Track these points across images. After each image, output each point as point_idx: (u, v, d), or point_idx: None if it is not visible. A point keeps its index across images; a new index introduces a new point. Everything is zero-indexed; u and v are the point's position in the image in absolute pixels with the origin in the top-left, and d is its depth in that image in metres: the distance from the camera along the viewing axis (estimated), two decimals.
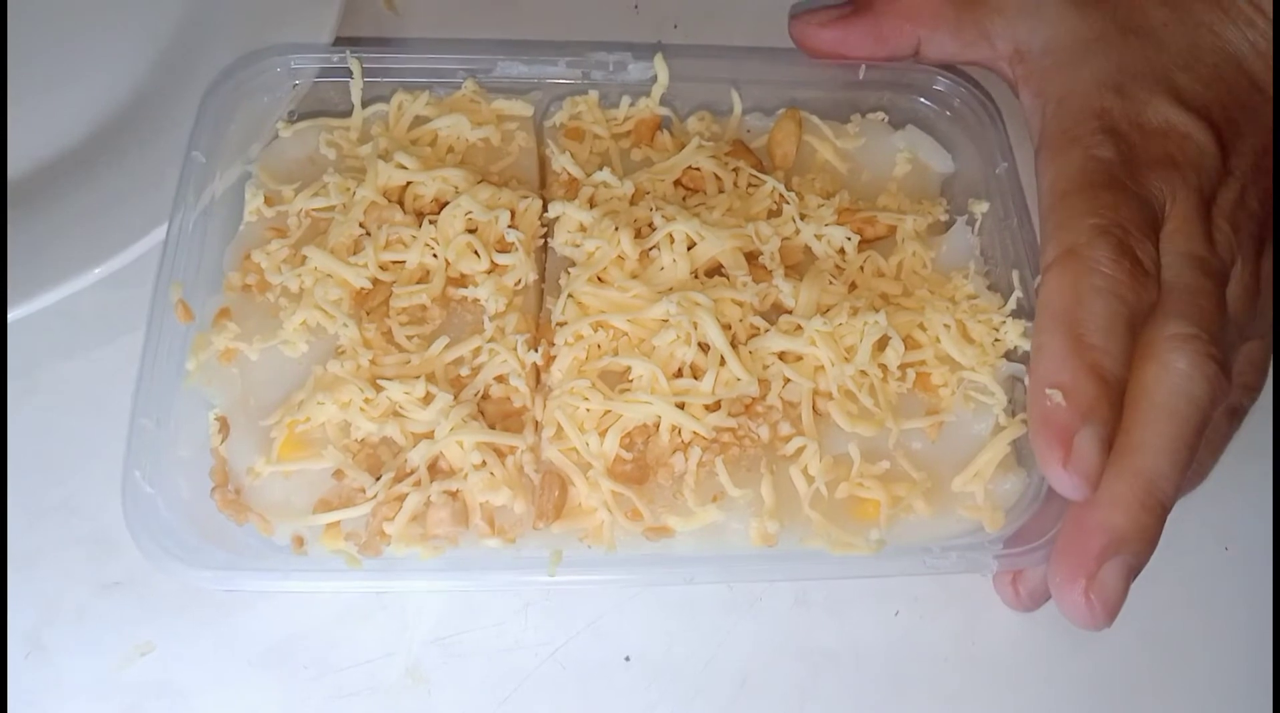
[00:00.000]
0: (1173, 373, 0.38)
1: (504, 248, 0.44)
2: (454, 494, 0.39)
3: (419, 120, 0.48)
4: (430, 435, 0.40)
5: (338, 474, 0.40)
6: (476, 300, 0.43)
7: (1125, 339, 0.38)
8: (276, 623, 0.42)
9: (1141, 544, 0.38)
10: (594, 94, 0.49)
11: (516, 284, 0.44)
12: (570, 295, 0.42)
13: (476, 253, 0.43)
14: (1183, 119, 0.43)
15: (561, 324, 0.42)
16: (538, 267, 0.45)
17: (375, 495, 0.39)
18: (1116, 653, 0.43)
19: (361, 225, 0.44)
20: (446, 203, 0.44)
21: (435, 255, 0.44)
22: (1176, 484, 0.38)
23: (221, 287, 0.44)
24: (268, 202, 0.46)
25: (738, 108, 0.50)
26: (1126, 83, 0.43)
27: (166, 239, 0.43)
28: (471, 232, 0.44)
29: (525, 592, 0.43)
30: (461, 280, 0.44)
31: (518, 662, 0.42)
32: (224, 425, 0.41)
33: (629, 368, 0.41)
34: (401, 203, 0.45)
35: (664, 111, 0.49)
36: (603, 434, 0.40)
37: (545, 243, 0.46)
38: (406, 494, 0.38)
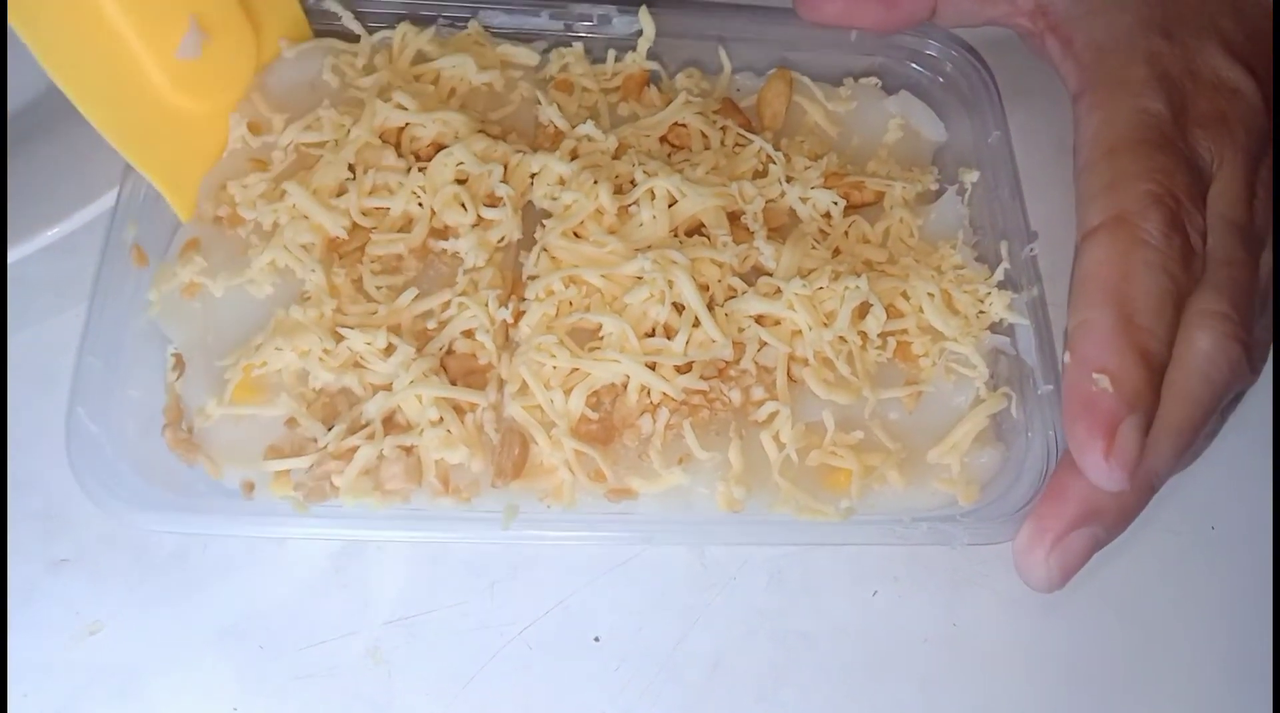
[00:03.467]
0: (1195, 352, 0.39)
1: (492, 203, 0.45)
2: (408, 450, 0.40)
3: (420, 58, 0.49)
4: (389, 388, 0.41)
5: (290, 422, 0.41)
6: (455, 254, 0.44)
7: (1173, 322, 0.38)
8: (232, 602, 0.43)
9: (1118, 521, 0.39)
10: (579, 46, 0.50)
11: (500, 241, 0.45)
12: (544, 248, 0.43)
13: (464, 205, 0.44)
14: (1233, 73, 0.43)
15: (533, 277, 0.43)
16: (524, 225, 0.45)
17: (325, 446, 0.40)
18: (1100, 634, 0.44)
19: (350, 167, 0.45)
20: (443, 147, 0.45)
21: (421, 204, 0.44)
22: (1172, 467, 0.39)
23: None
24: (253, 129, 0.46)
25: (726, 66, 0.51)
26: (1174, 27, 0.44)
27: (122, 181, 0.44)
28: (460, 182, 0.45)
29: (491, 570, 0.44)
30: (443, 232, 0.45)
31: (483, 642, 0.43)
32: (179, 363, 0.42)
33: (600, 326, 0.42)
34: (398, 145, 0.46)
35: (652, 66, 0.50)
36: (568, 392, 0.41)
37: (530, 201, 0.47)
38: (359, 447, 0.39)
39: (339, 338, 0.41)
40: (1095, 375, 0.37)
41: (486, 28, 0.50)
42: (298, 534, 0.42)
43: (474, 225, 0.44)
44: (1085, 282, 0.40)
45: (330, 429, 0.40)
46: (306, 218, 0.43)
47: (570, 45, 0.50)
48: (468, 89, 0.48)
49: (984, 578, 0.45)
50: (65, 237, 0.45)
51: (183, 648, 0.42)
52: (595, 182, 0.44)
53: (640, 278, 0.42)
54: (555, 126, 0.47)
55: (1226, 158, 0.41)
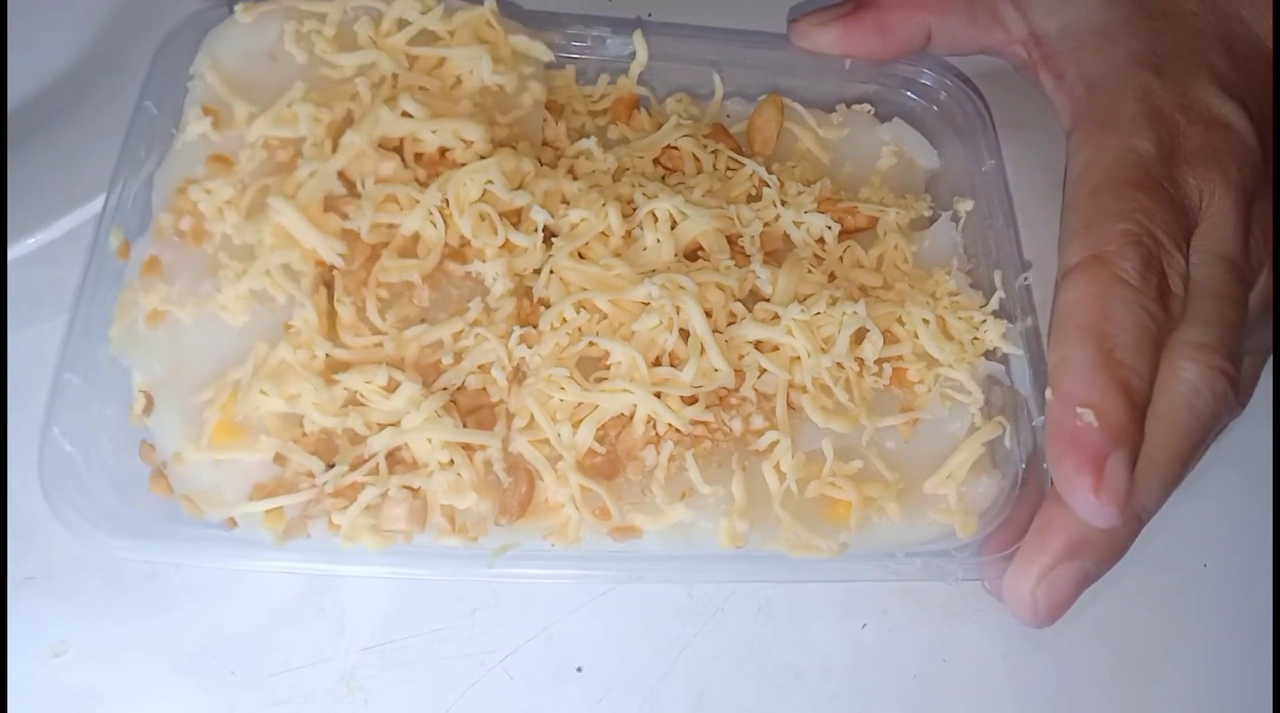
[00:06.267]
0: (1181, 383, 0.39)
1: (513, 220, 0.42)
2: (414, 490, 0.39)
3: (418, 36, 0.44)
4: (396, 423, 0.39)
5: (278, 459, 0.39)
6: (467, 275, 0.42)
7: (1152, 358, 0.39)
8: (203, 625, 0.43)
9: (1106, 555, 0.39)
10: (571, 68, 0.50)
11: (527, 271, 0.43)
12: (552, 271, 0.43)
13: (494, 228, 0.42)
14: (1226, 108, 0.44)
15: (543, 302, 0.43)
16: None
17: (325, 485, 0.38)
18: (1092, 672, 0.45)
19: (341, 175, 0.41)
20: (450, 151, 0.42)
21: (435, 224, 0.41)
22: (1160, 500, 0.40)
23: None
24: (214, 122, 0.41)
25: (719, 90, 0.51)
26: (1165, 64, 0.45)
27: (110, 186, 0.42)
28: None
29: (473, 596, 0.44)
30: (458, 253, 0.42)
31: (462, 671, 0.43)
32: (148, 402, 0.40)
33: (606, 353, 0.42)
34: (398, 149, 0.42)
35: (643, 92, 0.51)
36: (576, 425, 0.41)
37: None
38: (361, 485, 0.38)
39: (333, 381, 0.39)
40: (1080, 410, 0.38)
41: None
42: (279, 568, 0.41)
43: (501, 247, 0.42)
44: (1064, 320, 0.41)
45: (331, 466, 0.38)
46: (292, 238, 0.40)
47: (562, 67, 0.50)
48: (476, 86, 0.44)
49: (976, 613, 0.45)
50: (45, 245, 0.44)
51: (151, 673, 0.42)
52: (604, 203, 0.44)
53: (646, 304, 0.42)
54: (552, 133, 0.47)
55: (1218, 194, 0.42)
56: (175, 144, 0.42)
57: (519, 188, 0.43)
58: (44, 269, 0.46)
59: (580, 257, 0.44)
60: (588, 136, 0.47)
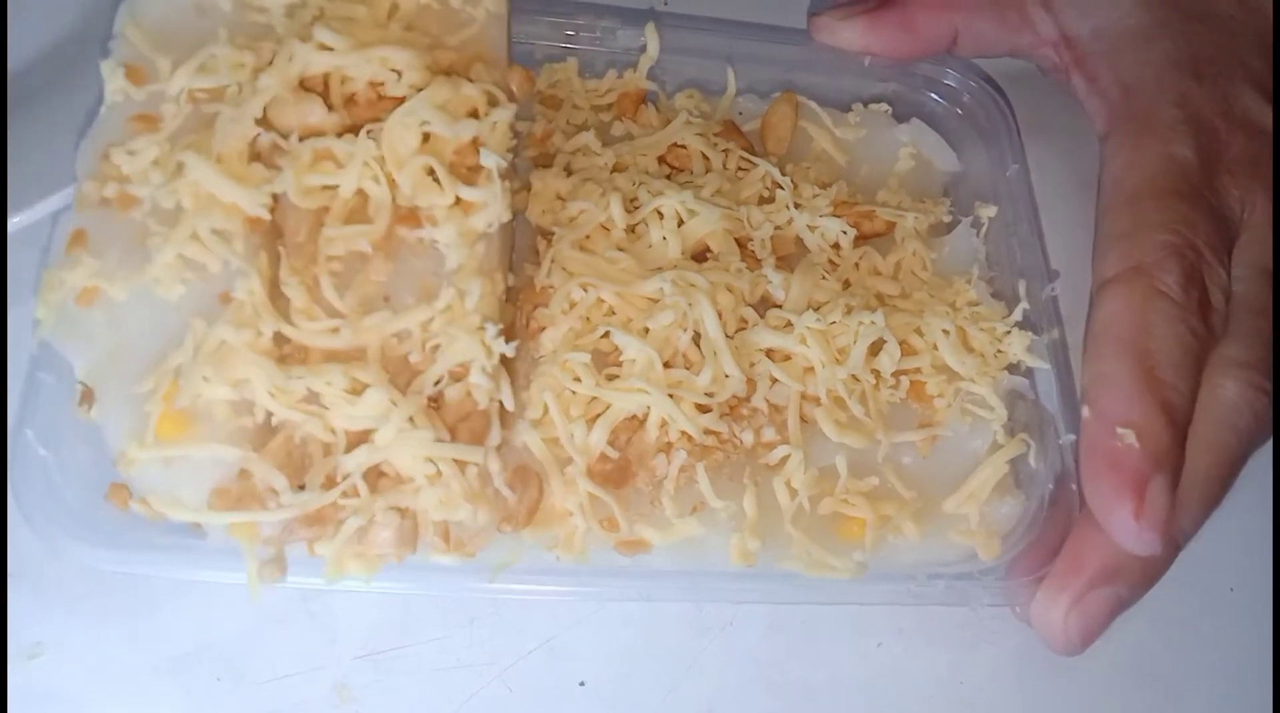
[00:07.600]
0: (1222, 402, 0.39)
1: (465, 170, 0.38)
2: (402, 511, 0.36)
3: None
4: (365, 431, 0.35)
5: (243, 474, 0.35)
6: (420, 242, 0.37)
7: (1194, 376, 0.39)
8: (188, 627, 0.41)
9: (1141, 581, 0.38)
10: (573, 61, 0.48)
11: (488, 227, 0.38)
12: (553, 260, 0.41)
13: (437, 181, 0.37)
14: (1265, 115, 0.43)
15: (548, 287, 0.41)
16: (515, 238, 0.42)
17: (293, 507, 0.35)
18: (1114, 697, 0.44)
19: (264, 122, 0.37)
20: (382, 87, 0.38)
21: (377, 180, 0.37)
22: (1199, 523, 0.39)
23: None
24: (134, 78, 0.38)
25: (731, 86, 0.50)
26: (1204, 68, 0.44)
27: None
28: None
29: (472, 605, 0.42)
30: (410, 216, 0.38)
31: (459, 683, 0.41)
32: (88, 395, 0.36)
33: (616, 350, 0.40)
34: (325, 93, 0.38)
35: (651, 86, 0.49)
36: (590, 423, 0.39)
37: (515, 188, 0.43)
38: (338, 505, 0.35)
39: (285, 364, 0.35)
40: (1120, 431, 0.37)
41: None
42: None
43: (451, 206, 0.37)
44: (1102, 334, 0.40)
45: (301, 487, 0.35)
46: (214, 196, 0.36)
47: (563, 59, 0.48)
48: (414, 6, 0.40)
49: (994, 634, 0.44)
50: (27, 227, 0.42)
51: (130, 677, 0.40)
52: (603, 192, 0.42)
53: (656, 300, 0.40)
54: (544, 129, 0.45)
55: (1259, 205, 0.42)
56: (101, 110, 0.39)
57: (471, 115, 0.38)
58: (27, 253, 0.44)
59: (583, 249, 0.42)
60: (587, 131, 0.45)
